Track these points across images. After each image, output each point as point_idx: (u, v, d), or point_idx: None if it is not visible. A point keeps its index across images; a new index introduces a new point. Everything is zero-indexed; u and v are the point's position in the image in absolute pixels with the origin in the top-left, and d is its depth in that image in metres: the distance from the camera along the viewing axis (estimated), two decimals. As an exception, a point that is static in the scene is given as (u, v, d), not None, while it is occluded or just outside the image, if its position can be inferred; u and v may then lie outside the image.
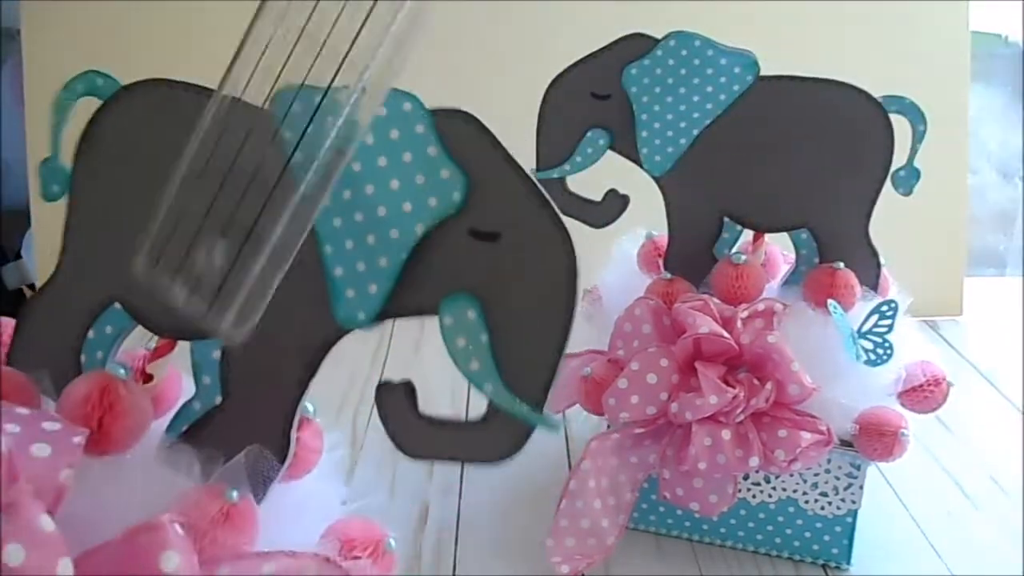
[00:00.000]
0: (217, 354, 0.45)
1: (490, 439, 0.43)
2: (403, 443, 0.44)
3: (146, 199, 0.43)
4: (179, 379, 0.51)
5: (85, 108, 0.48)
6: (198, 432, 0.46)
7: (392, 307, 0.42)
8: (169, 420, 0.48)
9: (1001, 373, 1.01)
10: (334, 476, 0.50)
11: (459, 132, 0.41)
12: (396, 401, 0.44)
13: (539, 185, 0.41)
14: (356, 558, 0.45)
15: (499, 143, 0.41)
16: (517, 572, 0.68)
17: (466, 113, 0.41)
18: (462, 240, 0.41)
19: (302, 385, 0.44)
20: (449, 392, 0.94)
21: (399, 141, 0.41)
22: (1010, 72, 1.50)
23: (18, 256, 1.13)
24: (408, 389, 0.44)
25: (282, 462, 0.45)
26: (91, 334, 0.47)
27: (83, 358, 0.47)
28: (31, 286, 1.11)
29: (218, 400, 0.46)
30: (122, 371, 0.44)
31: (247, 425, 0.45)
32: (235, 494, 0.41)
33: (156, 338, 0.49)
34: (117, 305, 0.46)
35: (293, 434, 0.45)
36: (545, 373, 0.41)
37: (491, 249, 0.41)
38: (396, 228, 0.41)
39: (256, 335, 0.40)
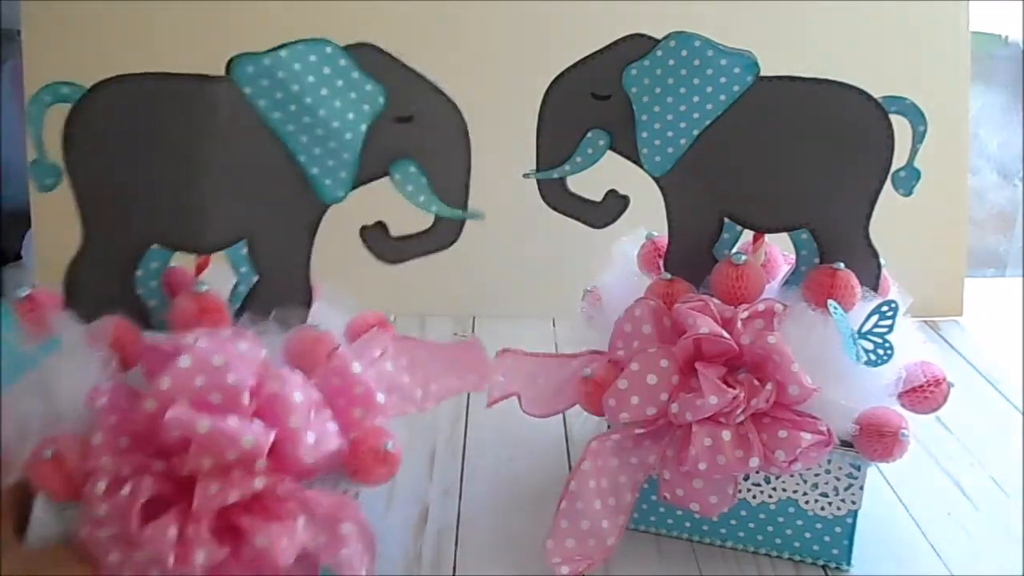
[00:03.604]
0: (245, 249, 0.61)
1: (440, 235, 0.64)
2: (381, 254, 0.64)
3: (140, 163, 0.56)
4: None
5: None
6: (249, 304, 0.62)
7: (359, 180, 0.62)
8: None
9: (1001, 373, 1.01)
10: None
11: (370, 58, 0.60)
12: (376, 232, 0.64)
13: (431, 80, 0.62)
14: None
15: (398, 59, 0.61)
16: (517, 573, 0.68)
17: (370, 44, 0.60)
18: (391, 126, 0.61)
19: (309, 247, 0.62)
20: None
21: (331, 74, 0.59)
22: (1010, 72, 1.50)
23: (18, 257, 1.12)
24: (382, 226, 0.64)
25: (308, 305, 0.62)
26: (139, 272, 0.59)
27: (139, 290, 0.59)
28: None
29: (254, 280, 0.62)
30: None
31: (280, 286, 0.62)
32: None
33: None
34: (155, 245, 0.59)
35: (312, 283, 0.63)
36: (462, 186, 0.64)
37: (410, 127, 0.62)
38: (348, 131, 0.60)
39: (270, 226, 0.61)
